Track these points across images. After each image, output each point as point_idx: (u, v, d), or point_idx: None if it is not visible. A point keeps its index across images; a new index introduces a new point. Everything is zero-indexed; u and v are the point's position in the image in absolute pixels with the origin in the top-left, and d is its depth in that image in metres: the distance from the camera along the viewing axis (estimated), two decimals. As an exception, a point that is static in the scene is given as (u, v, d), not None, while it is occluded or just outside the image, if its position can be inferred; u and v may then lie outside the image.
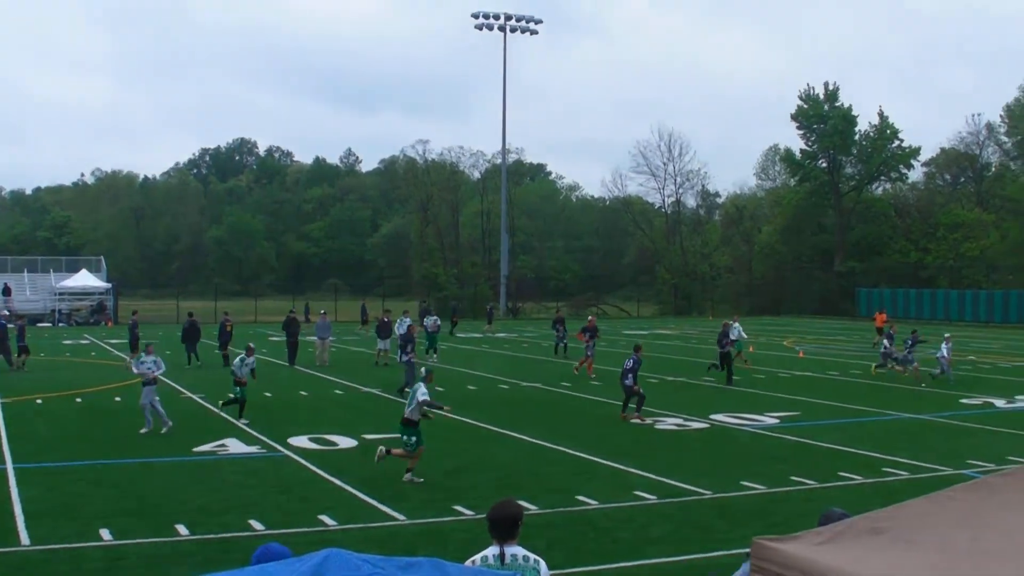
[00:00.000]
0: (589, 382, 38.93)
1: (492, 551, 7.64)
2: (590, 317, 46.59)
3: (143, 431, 26.42)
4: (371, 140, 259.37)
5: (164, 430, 26.46)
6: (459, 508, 18.12)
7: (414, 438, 20.85)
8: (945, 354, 40.58)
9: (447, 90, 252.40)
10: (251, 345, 31.17)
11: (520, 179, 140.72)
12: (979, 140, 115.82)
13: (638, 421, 28.91)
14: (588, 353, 41.98)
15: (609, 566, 14.89)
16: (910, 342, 40.62)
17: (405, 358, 35.22)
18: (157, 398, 26.91)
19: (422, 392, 21.04)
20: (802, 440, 26.11)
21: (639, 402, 29.48)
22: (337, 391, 36.33)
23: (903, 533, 6.95)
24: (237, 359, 29.95)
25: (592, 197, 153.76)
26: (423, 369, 23.18)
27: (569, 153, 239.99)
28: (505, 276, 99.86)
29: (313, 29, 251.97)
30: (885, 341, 43.54)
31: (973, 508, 7.03)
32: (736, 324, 46.12)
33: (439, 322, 53.27)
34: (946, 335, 43.18)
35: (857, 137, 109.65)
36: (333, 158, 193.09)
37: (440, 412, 22.46)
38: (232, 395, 29.02)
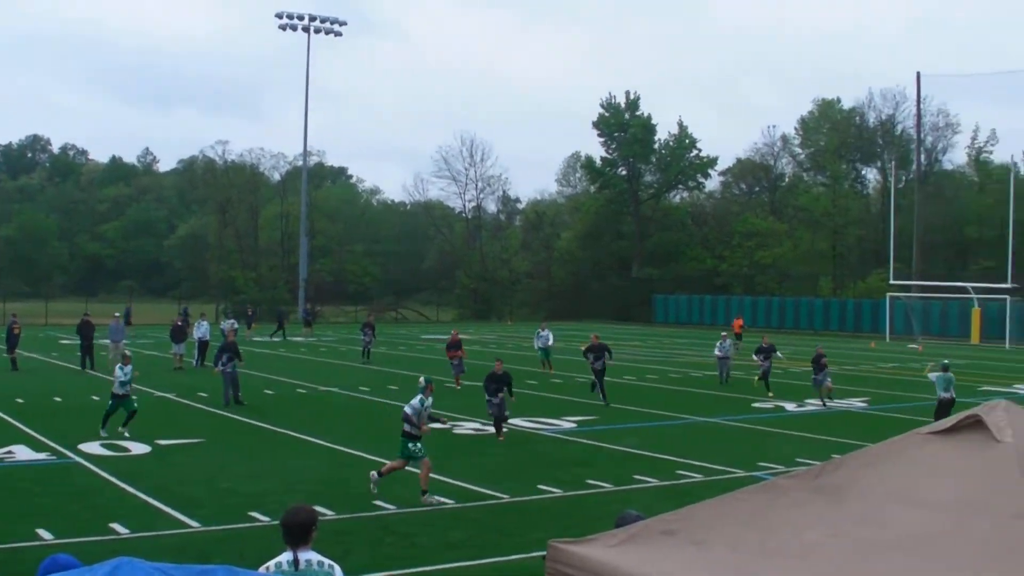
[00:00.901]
0: (388, 387, 38.83)
1: (286, 557, 7.57)
2: (453, 331, 45.25)
3: None
4: (170, 139, 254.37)
5: None
6: (255, 514, 17.89)
7: (419, 444, 19.81)
8: (719, 353, 41.78)
9: (248, 90, 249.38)
10: (126, 353, 29.74)
11: (321, 182, 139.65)
12: (774, 151, 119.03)
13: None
14: (459, 368, 40.43)
15: (407, 571, 14.86)
16: (818, 367, 36.11)
17: (220, 367, 33.74)
18: None
19: (410, 406, 20.04)
20: (599, 444, 26.41)
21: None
22: (131, 396, 35.50)
23: (695, 534, 7.06)
24: (118, 367, 27.61)
25: (393, 201, 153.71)
26: (422, 379, 21.62)
27: (371, 157, 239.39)
28: (304, 279, 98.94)
29: (108, 23, 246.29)
30: (758, 357, 39.15)
31: (763, 509, 7.17)
32: (546, 332, 46.50)
33: (236, 326, 52.55)
34: (723, 334, 44.26)
35: (656, 146, 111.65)
36: (130, 157, 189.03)
37: (425, 428, 20.52)
38: (129, 408, 26.92)
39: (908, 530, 6.44)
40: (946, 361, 31.60)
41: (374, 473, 19.87)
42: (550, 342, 46.07)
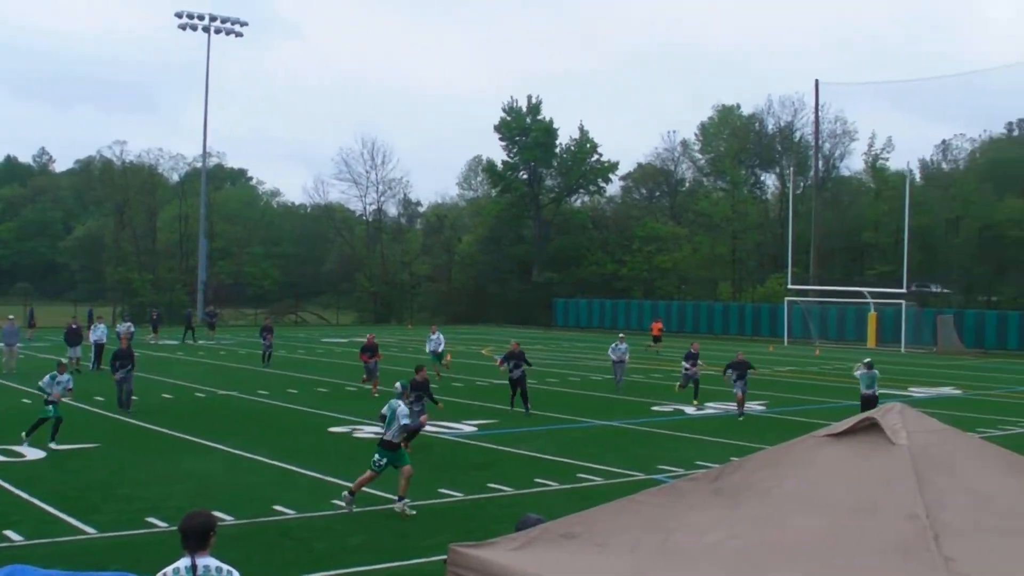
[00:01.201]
0: (287, 391, 38.61)
1: (184, 563, 7.48)
2: (369, 335, 43.25)
3: None
4: (66, 139, 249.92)
5: None
6: (152, 520, 17.69)
7: (384, 460, 18.96)
8: (614, 356, 41.41)
9: (147, 90, 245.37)
10: (62, 361, 28.53)
11: (220, 184, 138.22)
12: (674, 156, 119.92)
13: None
14: (373, 371, 39.08)
15: (306, 576, 14.79)
16: (735, 374, 34.10)
17: (120, 374, 32.94)
18: None
19: (403, 414, 19.26)
20: (499, 448, 26.44)
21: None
22: (25, 400, 34.87)
23: (596, 537, 7.09)
24: (47, 376, 26.41)
25: (293, 204, 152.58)
26: (398, 385, 20.97)
27: (271, 159, 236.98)
28: (203, 282, 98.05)
29: (3, 19, 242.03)
30: (687, 364, 37.57)
31: (663, 511, 7.22)
32: (437, 335, 46.27)
33: (133, 329, 51.95)
34: (620, 335, 43.94)
35: (558, 150, 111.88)
36: (25, 157, 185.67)
37: (424, 419, 20.17)
38: (44, 416, 25.74)
39: (806, 532, 6.52)
40: (869, 359, 31.75)
41: (400, 504, 18.96)
42: (441, 346, 45.77)
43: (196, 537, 7.56)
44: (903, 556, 6.00)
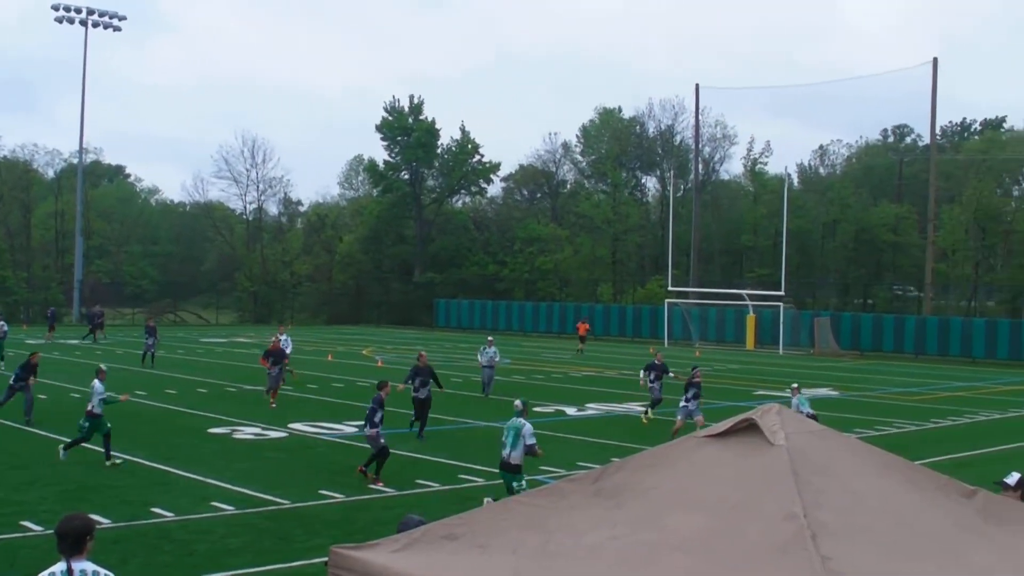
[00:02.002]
0: (165, 392, 38.12)
1: (60, 567, 7.37)
2: (273, 338, 40.63)
3: None
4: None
5: None
6: (27, 524, 17.38)
7: (524, 482, 17.91)
8: (482, 360, 39.59)
9: (22, 84, 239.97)
10: (102, 367, 26.33)
11: (98, 180, 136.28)
12: (555, 158, 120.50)
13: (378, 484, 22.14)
14: (273, 381, 35.90)
15: (185, 579, 14.64)
16: (690, 393, 29.92)
17: (15, 383, 30.76)
18: None
19: (529, 432, 18.20)
20: (381, 448, 26.33)
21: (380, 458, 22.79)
22: None
23: (478, 538, 7.11)
24: (97, 383, 24.80)
25: (172, 202, 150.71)
26: (518, 403, 19.31)
27: (150, 155, 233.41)
28: (79, 280, 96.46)
29: None
30: (650, 375, 34.23)
31: (544, 512, 7.26)
32: (284, 336, 43.50)
33: (6, 328, 50.88)
34: (489, 339, 41.99)
35: (439, 151, 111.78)
36: None
37: (540, 452, 18.81)
38: (82, 433, 24.33)
39: (686, 532, 6.59)
40: (795, 384, 30.82)
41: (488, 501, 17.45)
42: (288, 348, 43.10)
43: (72, 540, 7.44)
44: (781, 555, 6.09)
